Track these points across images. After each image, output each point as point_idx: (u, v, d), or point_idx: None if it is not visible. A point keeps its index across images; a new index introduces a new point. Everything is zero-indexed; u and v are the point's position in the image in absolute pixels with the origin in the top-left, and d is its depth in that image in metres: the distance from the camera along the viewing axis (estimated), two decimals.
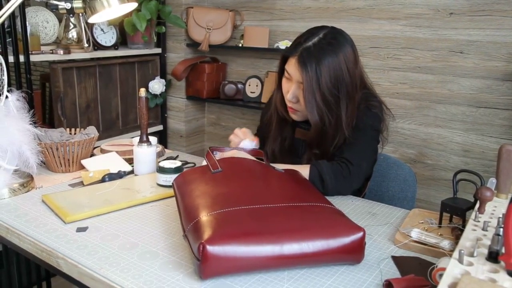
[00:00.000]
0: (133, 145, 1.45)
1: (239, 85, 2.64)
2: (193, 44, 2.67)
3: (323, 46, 1.21)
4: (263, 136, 1.48)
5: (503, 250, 0.70)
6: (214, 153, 1.20)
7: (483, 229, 0.83)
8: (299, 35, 1.28)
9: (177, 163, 1.25)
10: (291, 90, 1.27)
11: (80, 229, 1.00)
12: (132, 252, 0.90)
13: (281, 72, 1.32)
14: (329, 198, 1.04)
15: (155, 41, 2.65)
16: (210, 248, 0.76)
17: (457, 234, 0.95)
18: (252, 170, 1.05)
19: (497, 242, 0.71)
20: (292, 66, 1.25)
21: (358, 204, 1.19)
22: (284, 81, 1.31)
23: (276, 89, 1.38)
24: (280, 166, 1.13)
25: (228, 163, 1.06)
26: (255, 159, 1.18)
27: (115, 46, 2.43)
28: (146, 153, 1.33)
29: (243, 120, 2.80)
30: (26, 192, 1.21)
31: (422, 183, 2.17)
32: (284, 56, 1.29)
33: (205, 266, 0.77)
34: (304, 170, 1.19)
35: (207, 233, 0.79)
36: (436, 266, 0.77)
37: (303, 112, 1.28)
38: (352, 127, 1.27)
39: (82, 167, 1.39)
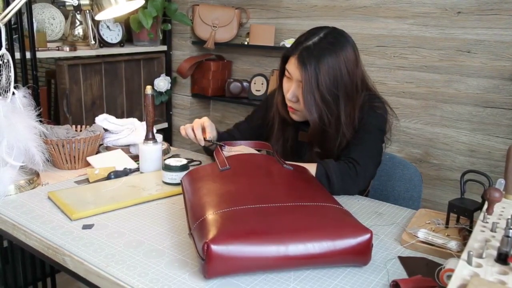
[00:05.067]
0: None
1: (244, 83, 2.63)
2: (199, 42, 2.67)
3: (324, 46, 1.21)
4: (247, 127, 1.51)
5: None
6: (223, 147, 1.20)
7: (491, 230, 0.82)
8: (300, 34, 1.28)
9: (183, 161, 1.25)
10: (291, 90, 1.27)
11: (86, 226, 1.00)
12: (138, 250, 0.90)
13: (282, 72, 1.32)
14: (336, 198, 1.04)
15: (161, 38, 2.65)
16: (215, 248, 0.76)
17: (464, 235, 0.95)
18: (261, 167, 1.05)
19: (507, 244, 0.70)
20: (292, 65, 1.25)
21: (364, 203, 1.19)
22: (284, 80, 1.31)
23: (277, 90, 1.38)
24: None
25: (237, 160, 1.06)
26: (264, 154, 1.17)
27: (120, 44, 2.43)
28: (152, 151, 1.33)
29: None
30: (32, 188, 1.21)
31: (428, 183, 2.16)
32: (285, 55, 1.29)
33: (209, 265, 0.77)
34: (311, 168, 1.19)
35: (212, 233, 0.78)
36: (444, 267, 0.76)
37: (303, 112, 1.28)
38: (354, 128, 1.27)
39: (88, 164, 1.40)
